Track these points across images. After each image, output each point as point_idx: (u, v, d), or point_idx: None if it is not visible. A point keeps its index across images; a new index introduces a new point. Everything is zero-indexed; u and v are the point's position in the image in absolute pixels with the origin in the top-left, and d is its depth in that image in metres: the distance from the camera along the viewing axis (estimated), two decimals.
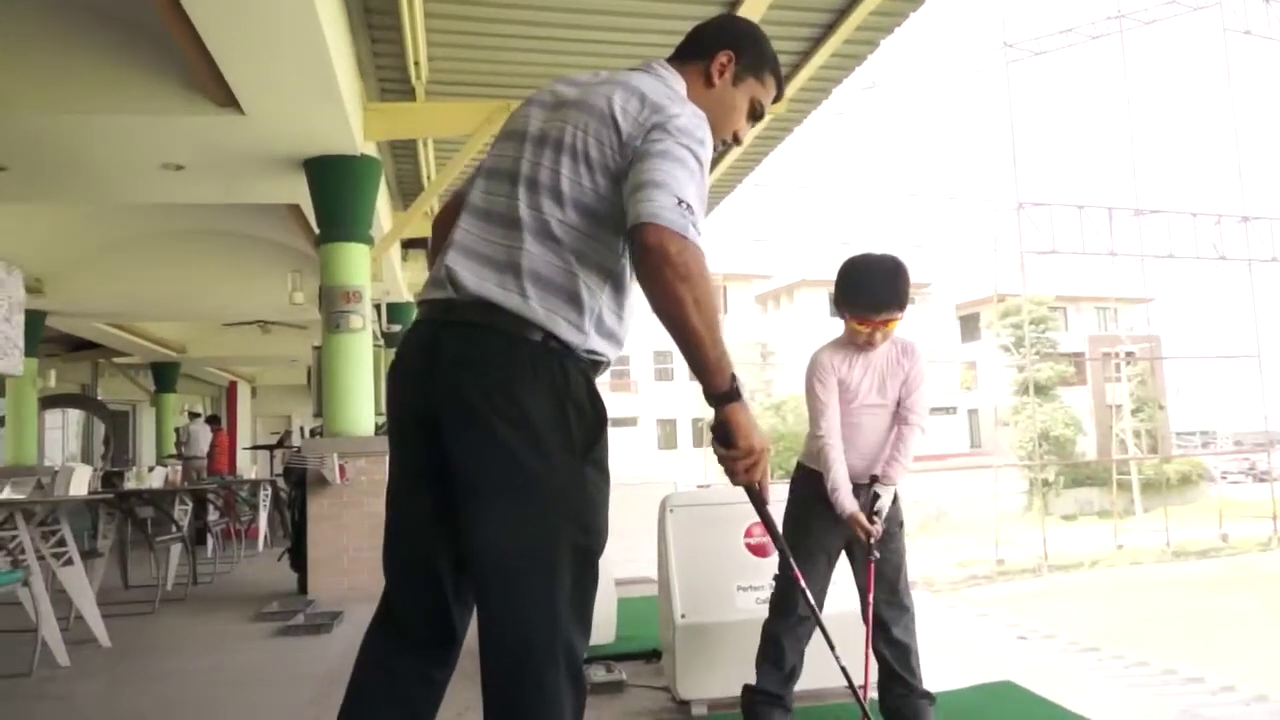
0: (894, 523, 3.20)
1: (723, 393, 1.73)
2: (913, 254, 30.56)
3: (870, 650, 3.15)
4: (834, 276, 3.18)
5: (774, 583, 3.28)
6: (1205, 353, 36.21)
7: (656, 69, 2.02)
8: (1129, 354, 34.14)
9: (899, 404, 3.19)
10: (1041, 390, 33.56)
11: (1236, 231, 26.24)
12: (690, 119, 1.83)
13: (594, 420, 1.81)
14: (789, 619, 3.16)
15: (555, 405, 1.77)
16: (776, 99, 2.17)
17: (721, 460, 1.80)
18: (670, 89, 1.94)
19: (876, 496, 3.12)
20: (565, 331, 1.80)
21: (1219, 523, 26.27)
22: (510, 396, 1.76)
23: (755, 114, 2.13)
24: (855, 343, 3.13)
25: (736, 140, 2.13)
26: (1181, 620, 15.91)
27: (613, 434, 1.99)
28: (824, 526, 3.14)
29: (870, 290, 3.06)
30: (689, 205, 1.72)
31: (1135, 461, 32.93)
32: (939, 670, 3.58)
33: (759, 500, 1.87)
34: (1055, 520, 28.80)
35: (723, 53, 2.05)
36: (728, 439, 1.76)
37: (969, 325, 42.06)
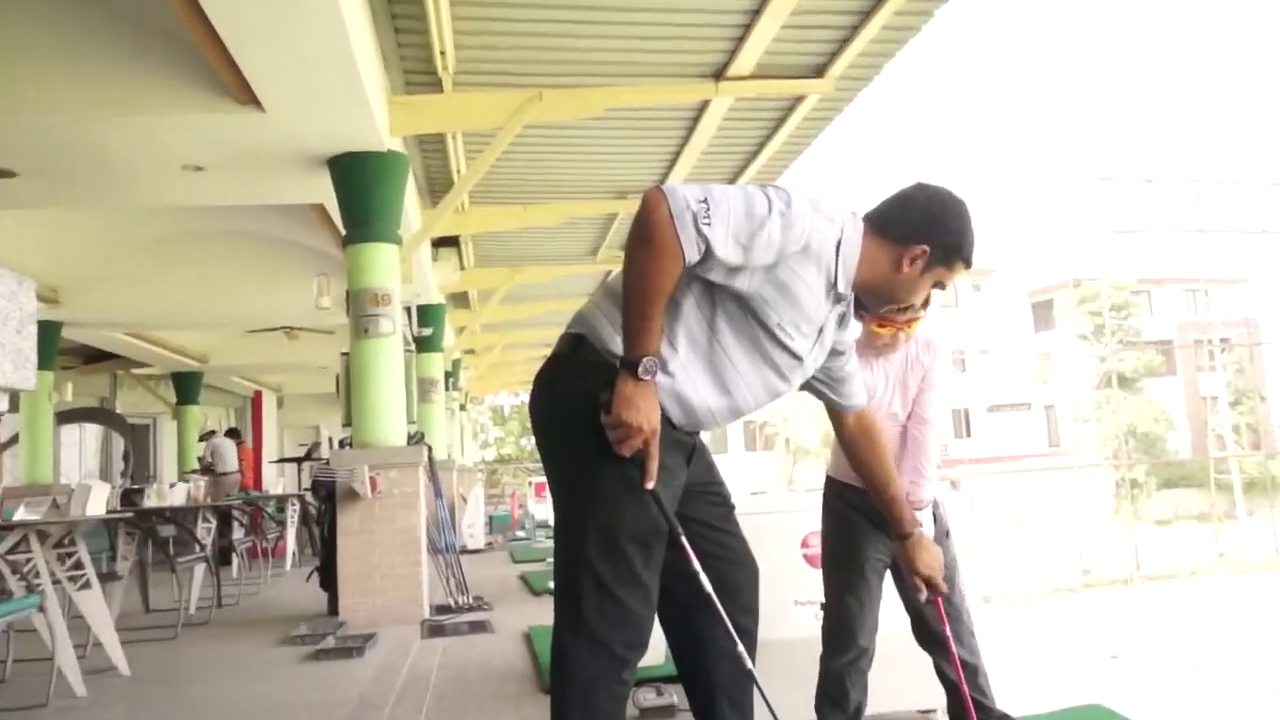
0: (939, 533, 3.13)
1: (624, 359, 2.00)
2: (978, 235, 29.94)
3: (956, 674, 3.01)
4: None
5: (822, 611, 3.22)
6: None
7: (848, 222, 2.19)
8: (1224, 340, 33.22)
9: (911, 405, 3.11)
10: (1126, 382, 32.71)
11: None
12: (798, 197, 2.07)
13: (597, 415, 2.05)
14: (847, 653, 3.12)
15: (571, 408, 2.12)
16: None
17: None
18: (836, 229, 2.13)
19: None
20: (599, 330, 2.15)
21: None
22: (534, 409, 2.28)
23: (937, 286, 2.34)
24: (874, 345, 3.07)
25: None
26: None
27: None
28: (867, 539, 3.10)
29: None
30: (708, 205, 1.94)
31: (1236, 459, 32.06)
32: (1021, 692, 3.54)
33: (642, 476, 2.04)
34: (1147, 525, 28.03)
35: (919, 246, 2.21)
36: (610, 405, 2.00)
37: (1042, 313, 41.20)
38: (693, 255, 1.94)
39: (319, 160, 6.88)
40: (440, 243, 11.19)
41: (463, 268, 11.76)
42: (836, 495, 3.22)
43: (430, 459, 7.36)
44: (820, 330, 2.22)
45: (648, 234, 1.94)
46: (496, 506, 17.94)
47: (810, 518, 3.65)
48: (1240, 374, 34.31)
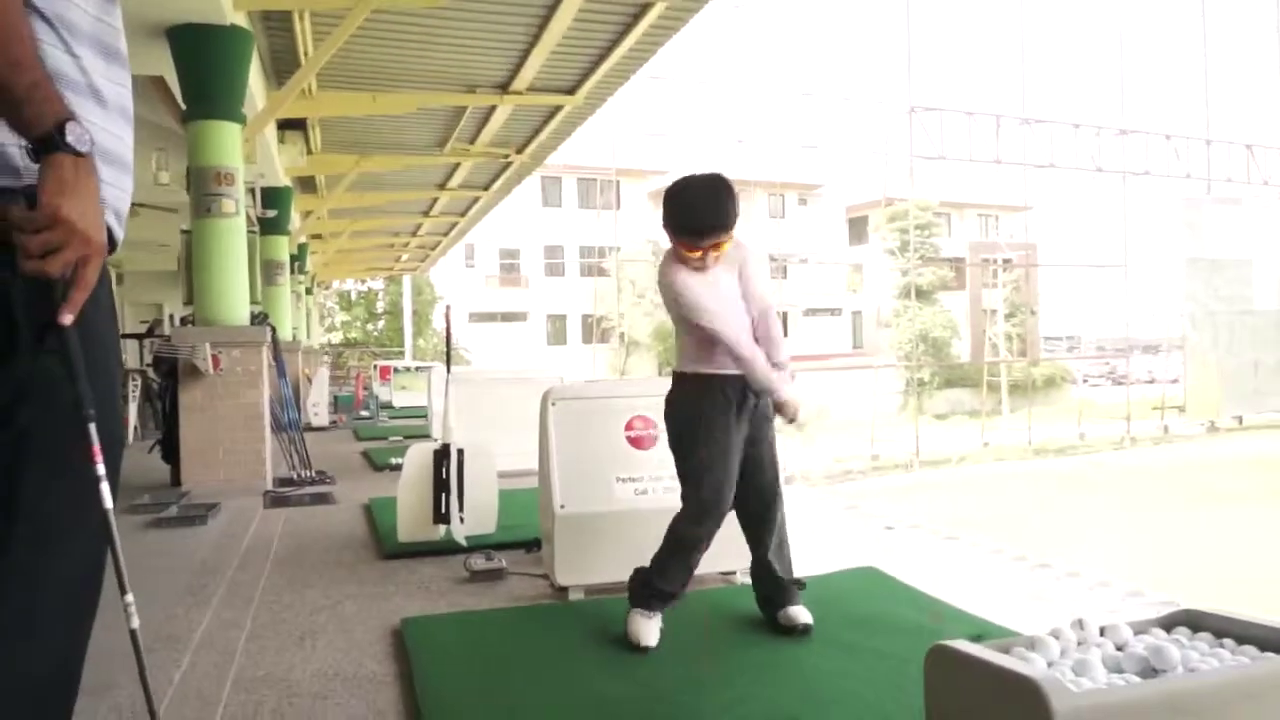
0: (764, 416, 3.20)
1: (40, 135, 1.23)
2: (806, 155, 30.54)
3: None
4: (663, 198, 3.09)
5: (689, 483, 3.09)
6: (1076, 261, 37.53)
7: None
8: (1006, 260, 35.26)
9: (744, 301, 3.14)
10: (922, 294, 34.51)
11: (1114, 144, 27.05)
12: None
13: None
14: (715, 522, 3.06)
15: None
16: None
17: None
18: None
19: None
20: None
21: (1078, 423, 27.88)
22: None
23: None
24: (689, 265, 3.05)
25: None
26: (1037, 513, 16.98)
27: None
28: (727, 426, 3.06)
29: (696, 213, 2.99)
30: None
31: (1005, 364, 34.43)
32: (808, 558, 3.75)
33: (61, 304, 1.26)
34: (928, 419, 29.83)
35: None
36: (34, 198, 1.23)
37: (857, 228, 42.88)
38: None
39: (157, 30, 6.45)
40: (287, 125, 10.67)
41: (310, 152, 11.21)
42: (692, 389, 3.10)
43: (274, 339, 7.20)
44: None
45: None
46: (341, 387, 17.43)
47: (638, 403, 3.83)
48: (1016, 291, 36.35)
